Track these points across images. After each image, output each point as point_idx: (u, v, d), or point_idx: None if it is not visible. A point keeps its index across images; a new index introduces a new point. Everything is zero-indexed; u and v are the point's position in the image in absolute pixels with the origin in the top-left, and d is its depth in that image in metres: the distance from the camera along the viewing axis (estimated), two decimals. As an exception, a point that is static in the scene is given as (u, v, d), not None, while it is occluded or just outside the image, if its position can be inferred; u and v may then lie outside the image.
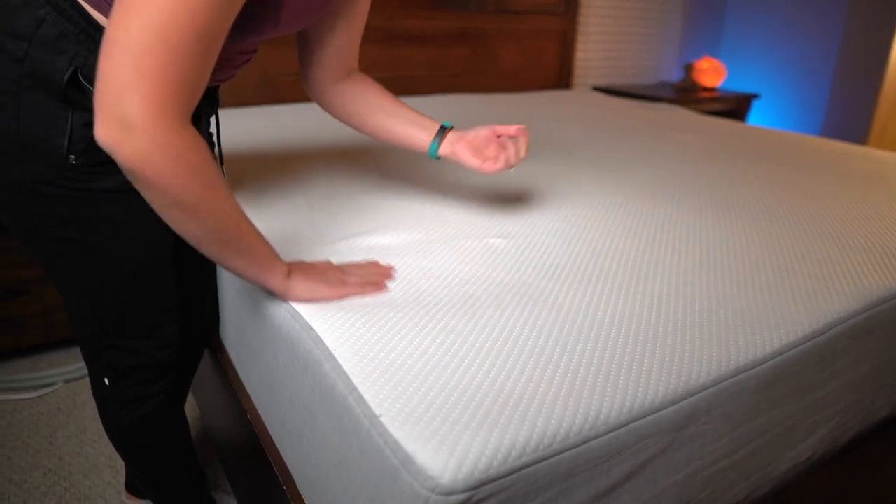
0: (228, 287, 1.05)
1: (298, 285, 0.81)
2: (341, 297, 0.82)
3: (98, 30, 0.74)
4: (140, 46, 0.58)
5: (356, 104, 1.03)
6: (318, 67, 1.00)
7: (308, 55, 1.00)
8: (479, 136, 1.01)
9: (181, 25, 0.59)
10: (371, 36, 2.40)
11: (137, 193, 0.85)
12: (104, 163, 0.80)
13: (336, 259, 0.92)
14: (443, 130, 1.02)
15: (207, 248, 0.72)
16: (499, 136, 1.02)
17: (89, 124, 0.76)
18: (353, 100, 1.03)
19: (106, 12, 0.75)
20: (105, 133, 0.61)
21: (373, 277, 0.86)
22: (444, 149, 1.01)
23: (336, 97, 1.03)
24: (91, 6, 0.74)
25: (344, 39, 0.98)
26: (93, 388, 1.01)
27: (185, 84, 0.62)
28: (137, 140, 0.60)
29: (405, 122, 1.03)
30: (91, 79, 0.75)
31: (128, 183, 0.83)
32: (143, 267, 0.90)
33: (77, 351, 1.85)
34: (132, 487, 1.27)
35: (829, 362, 0.87)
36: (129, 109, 0.59)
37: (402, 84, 2.53)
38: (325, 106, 1.05)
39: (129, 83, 0.59)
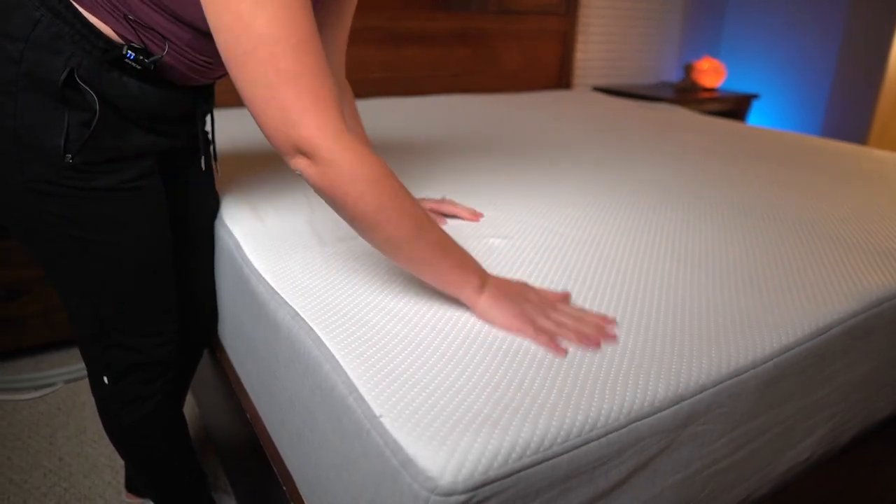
0: (227, 285, 1.05)
1: (483, 302, 0.76)
2: (521, 332, 0.73)
3: (92, 31, 0.75)
4: (271, 78, 0.63)
5: None
6: None
7: None
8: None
9: (292, 40, 0.63)
10: (372, 36, 2.40)
11: (138, 192, 0.87)
12: (102, 161, 0.81)
13: (338, 260, 0.92)
14: None
15: (395, 258, 0.73)
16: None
17: (86, 123, 0.77)
18: None
19: (100, 16, 0.75)
20: (293, 164, 0.68)
21: (587, 328, 0.74)
22: None
23: None
24: (85, 9, 0.75)
25: (326, 38, 1.00)
26: (92, 388, 1.01)
27: (324, 88, 0.65)
28: (319, 164, 0.65)
29: None
30: (86, 79, 0.76)
31: (127, 182, 0.84)
32: (144, 266, 0.90)
33: (77, 351, 1.85)
34: (132, 486, 1.27)
35: (829, 363, 0.87)
36: (297, 139, 0.65)
37: (403, 84, 2.53)
38: None
39: (282, 115, 0.64)
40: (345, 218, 0.71)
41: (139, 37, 0.77)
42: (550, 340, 0.71)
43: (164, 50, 0.79)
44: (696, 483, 0.76)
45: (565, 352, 0.70)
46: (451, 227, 1.08)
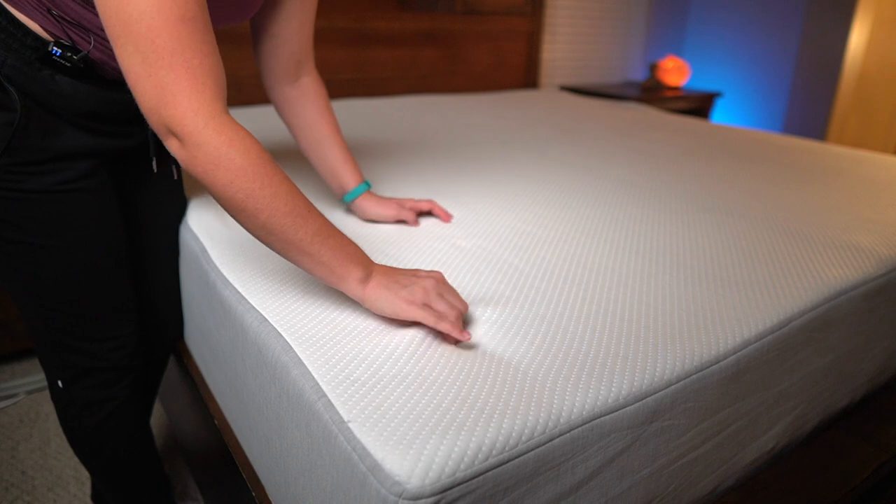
0: (193, 291, 1.04)
1: (370, 293, 0.73)
2: (420, 318, 0.71)
3: (20, 28, 0.73)
4: (148, 54, 0.61)
5: (296, 118, 1.04)
6: (268, 59, 1.00)
7: (259, 46, 0.99)
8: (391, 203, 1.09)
9: (171, 16, 0.60)
10: (339, 37, 2.39)
11: (76, 195, 0.84)
12: (30, 163, 0.79)
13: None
14: (365, 185, 1.08)
15: (274, 249, 0.70)
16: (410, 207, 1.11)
17: (9, 124, 0.75)
18: (295, 111, 1.04)
19: (26, 12, 0.74)
20: (167, 145, 0.65)
21: (454, 314, 0.72)
22: (359, 200, 1.08)
23: (282, 100, 1.04)
24: (11, 5, 0.73)
25: (292, 29, 0.97)
26: (50, 392, 0.99)
27: (202, 66, 0.63)
28: (188, 146, 0.63)
29: (333, 161, 1.06)
30: (12, 78, 0.74)
31: (64, 184, 0.83)
32: (92, 269, 0.88)
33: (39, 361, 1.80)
34: (98, 498, 1.24)
35: (790, 355, 0.89)
36: (168, 119, 0.62)
37: (370, 85, 2.52)
38: (273, 103, 1.05)
39: (157, 93, 0.62)
40: (218, 202, 0.68)
41: (66, 32, 0.75)
42: (454, 326, 0.70)
43: (90, 44, 0.77)
44: (662, 478, 0.77)
45: (470, 335, 0.70)
46: (420, 226, 1.08)
